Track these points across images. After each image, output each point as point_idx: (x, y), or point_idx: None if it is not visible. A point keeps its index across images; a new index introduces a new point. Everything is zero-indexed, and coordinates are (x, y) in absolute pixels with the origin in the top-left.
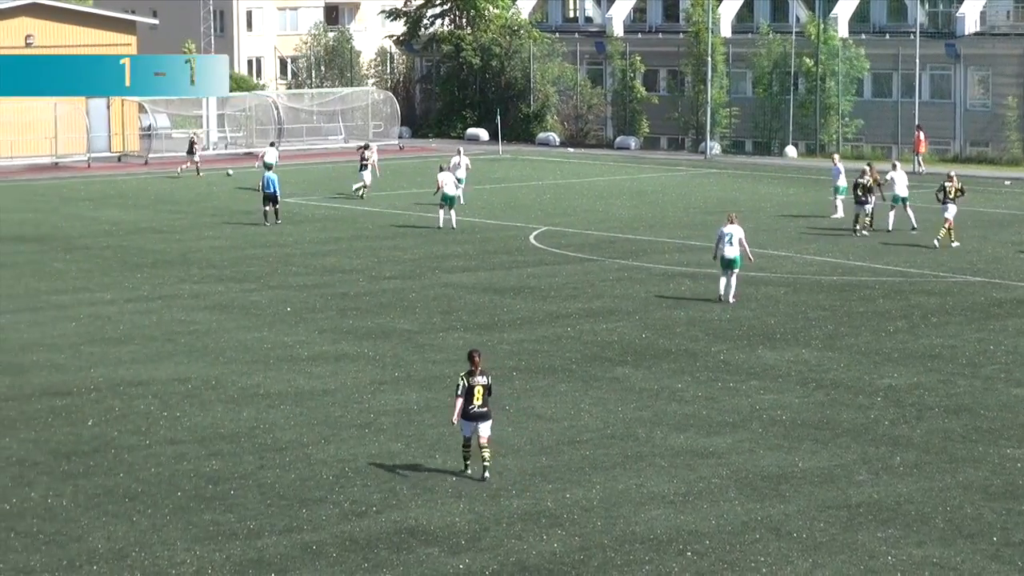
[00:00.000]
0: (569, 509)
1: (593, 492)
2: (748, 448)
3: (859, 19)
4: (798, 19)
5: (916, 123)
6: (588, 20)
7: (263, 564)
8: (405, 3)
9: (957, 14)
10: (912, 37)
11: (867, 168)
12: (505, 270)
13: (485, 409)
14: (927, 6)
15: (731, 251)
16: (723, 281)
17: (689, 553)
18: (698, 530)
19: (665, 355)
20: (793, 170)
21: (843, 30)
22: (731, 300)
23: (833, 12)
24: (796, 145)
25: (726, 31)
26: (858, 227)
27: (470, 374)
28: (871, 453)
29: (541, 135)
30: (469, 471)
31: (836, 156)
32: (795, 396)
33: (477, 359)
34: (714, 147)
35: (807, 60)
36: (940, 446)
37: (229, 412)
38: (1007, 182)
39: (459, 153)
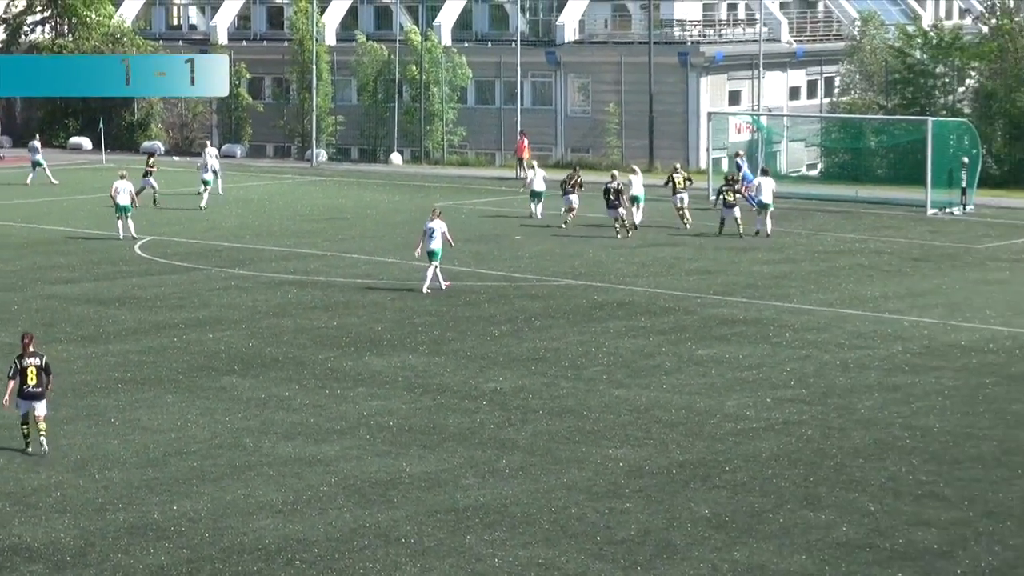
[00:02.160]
0: (176, 521)
1: (201, 503)
2: (356, 455)
3: (462, 27)
4: (402, 27)
5: (519, 129)
6: (192, 27)
7: None
8: (5, 10)
9: (557, 23)
10: (514, 45)
11: (614, 174)
12: (110, 280)
13: (39, 389)
14: (528, 15)
15: (434, 244)
16: (429, 272)
17: (298, 562)
18: (307, 538)
19: (272, 363)
20: (399, 177)
21: (446, 38)
22: (443, 287)
23: (436, 20)
24: (402, 152)
25: (331, 39)
26: (618, 229)
27: (21, 356)
28: (478, 456)
29: (146, 144)
30: (30, 449)
31: (535, 163)
32: (402, 402)
33: (27, 340)
34: (320, 154)
35: (412, 68)
36: (545, 448)
37: None
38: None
39: (208, 145)
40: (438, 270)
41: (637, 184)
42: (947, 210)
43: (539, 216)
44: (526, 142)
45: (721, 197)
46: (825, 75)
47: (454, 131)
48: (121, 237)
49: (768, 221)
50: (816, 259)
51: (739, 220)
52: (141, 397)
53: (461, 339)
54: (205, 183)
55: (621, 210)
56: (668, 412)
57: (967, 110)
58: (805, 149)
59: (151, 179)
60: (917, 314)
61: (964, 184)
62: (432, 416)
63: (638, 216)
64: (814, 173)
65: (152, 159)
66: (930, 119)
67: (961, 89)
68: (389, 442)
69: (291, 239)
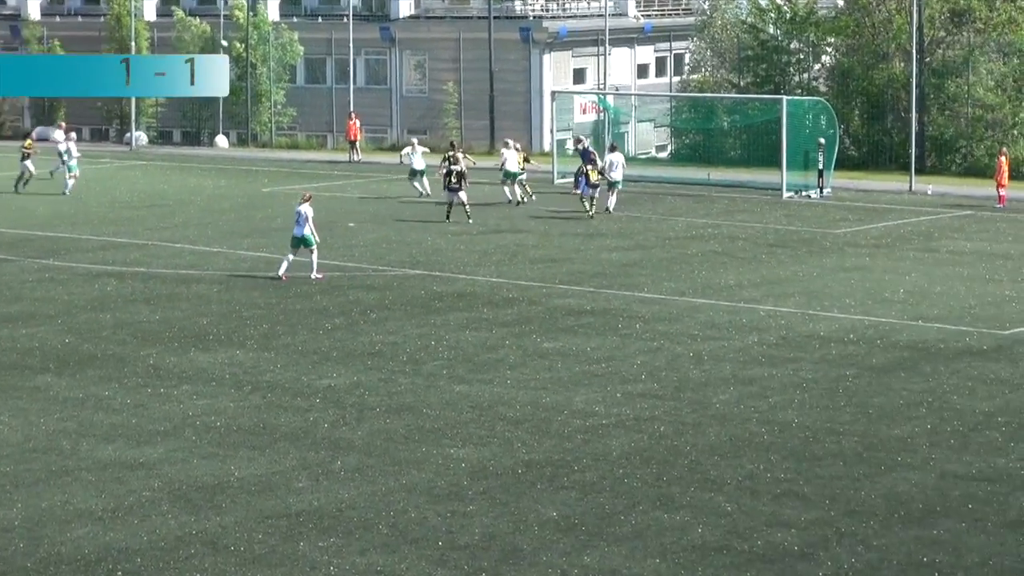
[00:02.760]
0: None
1: (14, 512)
2: (181, 458)
3: (291, 1)
4: (226, 1)
5: (350, 110)
6: (2, 3)
7: None
8: None
9: None
10: (346, 20)
11: (453, 155)
12: None
13: None
14: None
15: (303, 230)
16: (290, 258)
17: (120, 572)
18: (129, 547)
19: (91, 361)
20: (224, 161)
21: (274, 13)
22: (313, 278)
23: None
24: (227, 135)
25: (150, 15)
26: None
27: None
28: (311, 458)
29: (39, 128)
30: None
31: (510, 142)
32: (230, 400)
33: None
34: (140, 137)
35: (237, 45)
36: (383, 448)
37: None
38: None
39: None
40: (313, 256)
41: (512, 160)
42: (803, 193)
43: (427, 192)
44: (358, 124)
45: (583, 177)
46: (675, 52)
47: (283, 112)
48: None
49: (614, 198)
50: (667, 246)
51: (595, 199)
52: None
53: (292, 333)
54: (70, 169)
55: (462, 194)
56: (512, 409)
57: (823, 88)
58: (654, 130)
59: (28, 162)
60: (773, 303)
61: (821, 166)
62: (262, 415)
63: (518, 191)
64: (664, 155)
65: (30, 140)
66: (785, 98)
67: (817, 66)
68: (216, 444)
69: (109, 227)
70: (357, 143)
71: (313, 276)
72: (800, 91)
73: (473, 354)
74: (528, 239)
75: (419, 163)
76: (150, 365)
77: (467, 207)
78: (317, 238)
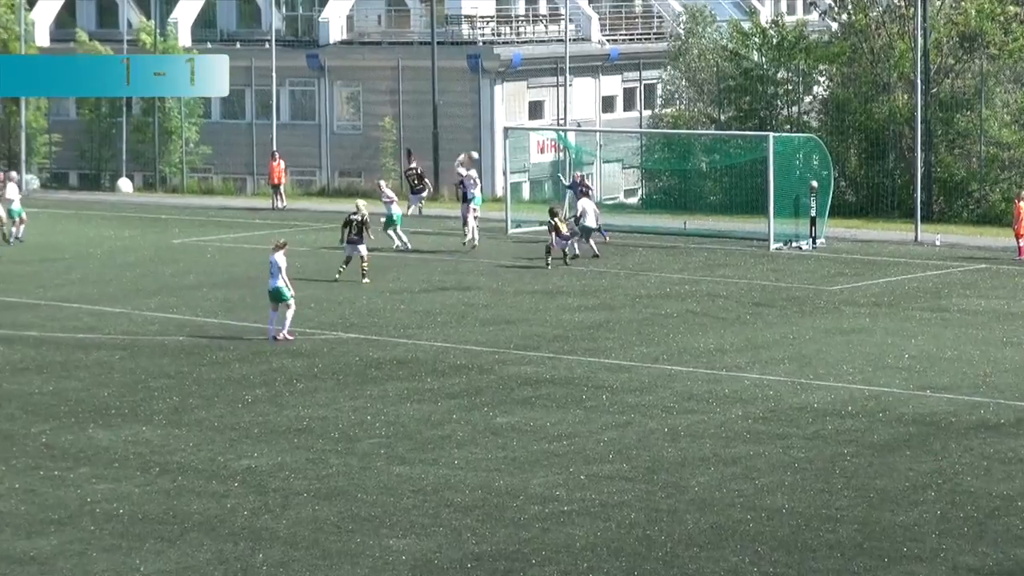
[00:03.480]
0: None
1: None
2: (78, 551)
3: (204, 24)
4: (130, 24)
5: (273, 149)
6: None
7: None
8: None
9: (320, 19)
10: (268, 46)
11: (359, 204)
12: None
13: None
14: (284, 9)
15: (273, 282)
16: (275, 316)
17: None
18: None
19: None
20: (129, 208)
21: (185, 38)
22: (283, 336)
23: (172, 16)
24: (132, 178)
25: (43, 40)
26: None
27: None
28: (228, 551)
29: None
30: None
31: (383, 183)
32: (135, 484)
33: None
34: (31, 181)
35: None
36: (311, 539)
37: None
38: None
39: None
40: (288, 313)
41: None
42: (794, 244)
43: (405, 243)
44: (282, 165)
45: (553, 227)
46: (645, 82)
47: (196, 152)
48: None
49: (580, 246)
50: (638, 305)
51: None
52: None
53: (207, 406)
54: (11, 214)
55: (362, 247)
56: (461, 493)
57: (815, 124)
58: (622, 172)
59: None
60: (759, 371)
61: (813, 213)
62: (171, 501)
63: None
64: (634, 200)
65: None
66: (772, 135)
67: (808, 98)
68: (119, 534)
69: None
70: (281, 187)
71: (282, 334)
72: (789, 127)
73: (415, 430)
74: (478, 297)
75: (394, 208)
76: (42, 444)
77: (365, 264)
78: (292, 291)
